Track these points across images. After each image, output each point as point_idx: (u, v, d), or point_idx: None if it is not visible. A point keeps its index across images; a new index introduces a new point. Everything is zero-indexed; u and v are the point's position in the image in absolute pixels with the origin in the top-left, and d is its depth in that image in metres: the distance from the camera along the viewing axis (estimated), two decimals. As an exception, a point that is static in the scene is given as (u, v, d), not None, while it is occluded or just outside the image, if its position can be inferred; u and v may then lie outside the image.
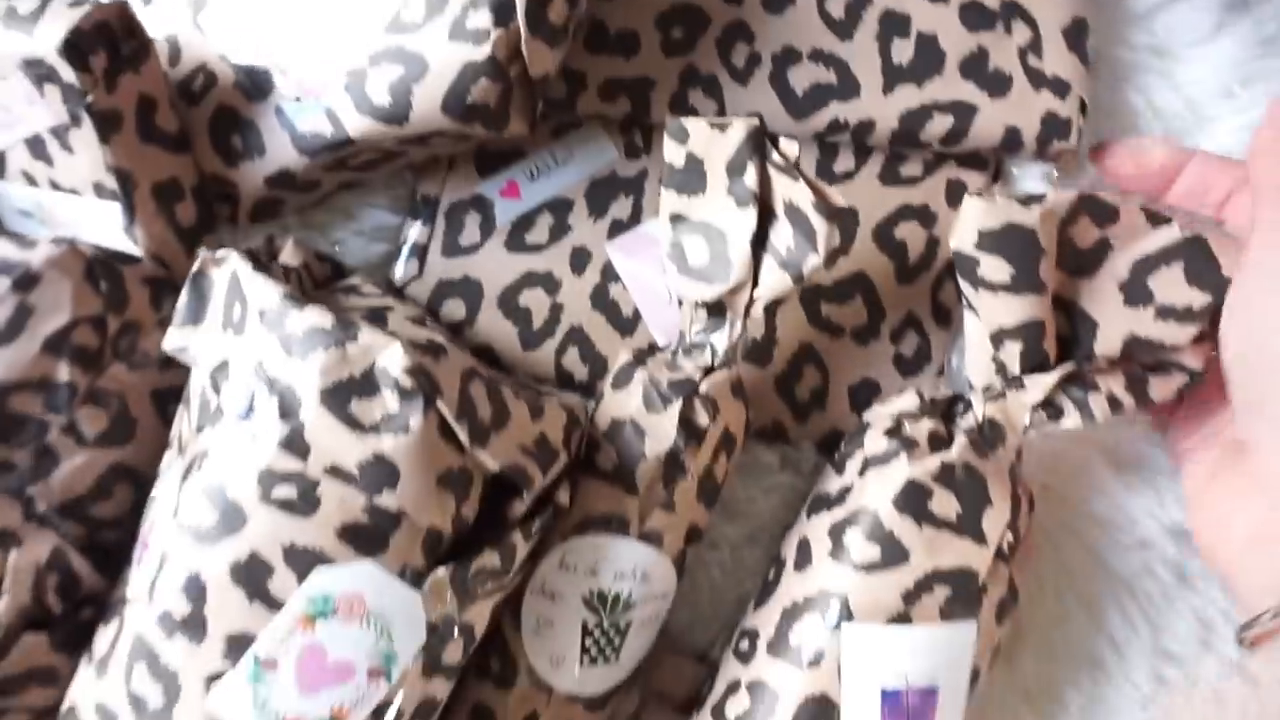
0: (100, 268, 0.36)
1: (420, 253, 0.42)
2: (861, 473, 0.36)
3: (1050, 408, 0.35)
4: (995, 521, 0.34)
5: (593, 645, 0.37)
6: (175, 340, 0.34)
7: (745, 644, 0.37)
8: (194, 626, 0.31)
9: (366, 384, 0.31)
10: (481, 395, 0.32)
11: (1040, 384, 0.35)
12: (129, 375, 0.37)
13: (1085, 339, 0.35)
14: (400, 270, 0.42)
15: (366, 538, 0.31)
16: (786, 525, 0.40)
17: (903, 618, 0.34)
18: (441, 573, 0.32)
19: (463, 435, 0.31)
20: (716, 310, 0.37)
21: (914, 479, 0.34)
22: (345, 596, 0.31)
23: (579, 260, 0.42)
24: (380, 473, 0.31)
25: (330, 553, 0.31)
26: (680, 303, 0.38)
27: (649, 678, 0.40)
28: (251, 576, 0.31)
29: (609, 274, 0.42)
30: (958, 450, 0.35)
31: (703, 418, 0.36)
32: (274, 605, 0.31)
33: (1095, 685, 0.40)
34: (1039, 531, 0.40)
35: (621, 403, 0.37)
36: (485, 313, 0.41)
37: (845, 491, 0.36)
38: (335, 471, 0.31)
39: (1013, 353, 0.35)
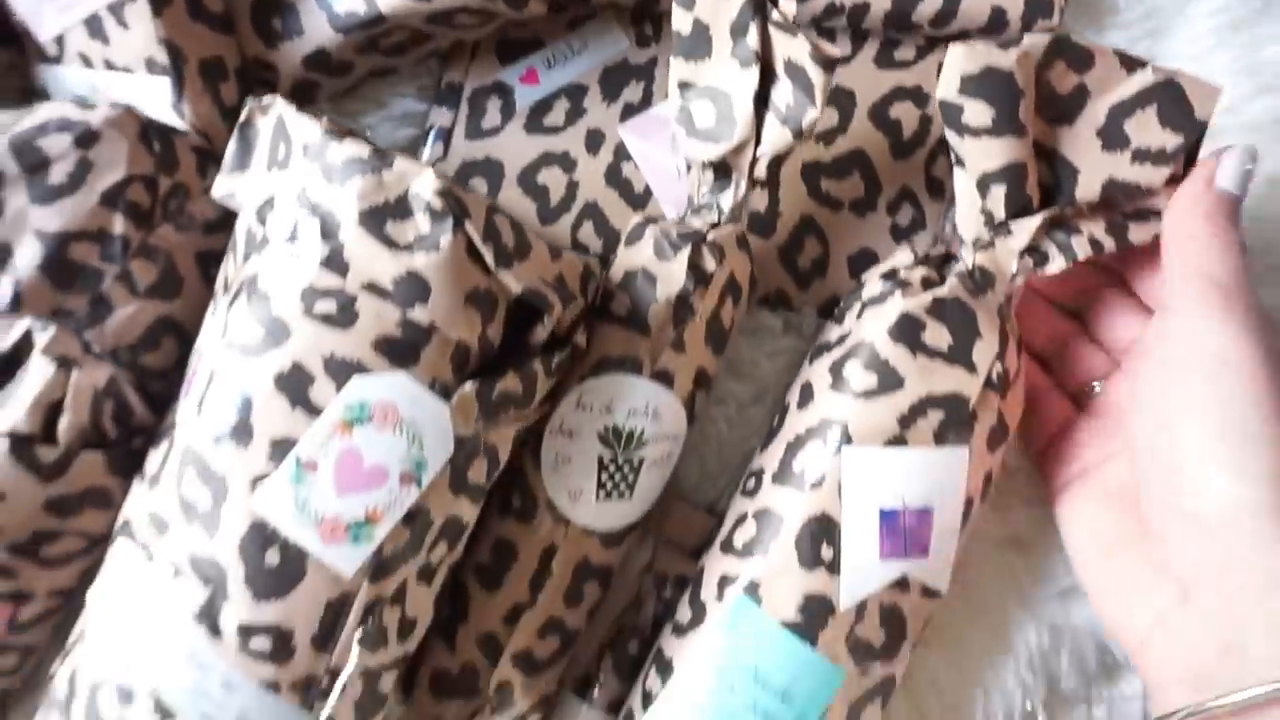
0: (153, 131, 0.39)
1: (445, 136, 0.44)
2: (859, 316, 0.38)
3: (1036, 254, 0.38)
4: (985, 353, 0.37)
5: (608, 480, 0.39)
6: (224, 187, 0.37)
7: (752, 482, 0.39)
8: (241, 433, 0.33)
9: (401, 207, 0.34)
10: (505, 226, 0.35)
11: (1025, 228, 0.37)
12: (176, 235, 0.40)
13: (1067, 185, 0.37)
14: (427, 152, 0.45)
15: (400, 350, 0.33)
16: (789, 385, 0.42)
17: (898, 440, 0.36)
18: (468, 388, 0.34)
19: (488, 257, 0.34)
20: (722, 171, 0.40)
21: (908, 311, 0.37)
22: (380, 405, 0.34)
23: (593, 141, 0.44)
24: (413, 288, 0.33)
25: (367, 363, 0.33)
26: (689, 167, 0.41)
27: (661, 527, 0.43)
28: (294, 385, 0.33)
29: (621, 154, 0.44)
30: (949, 287, 0.37)
31: (710, 263, 0.38)
32: (314, 412, 0.33)
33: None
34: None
35: (633, 255, 0.39)
36: (506, 191, 0.44)
37: (844, 336, 0.39)
38: (372, 287, 0.33)
39: (998, 197, 0.37)
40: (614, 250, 0.43)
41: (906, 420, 0.36)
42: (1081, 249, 0.37)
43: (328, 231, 0.33)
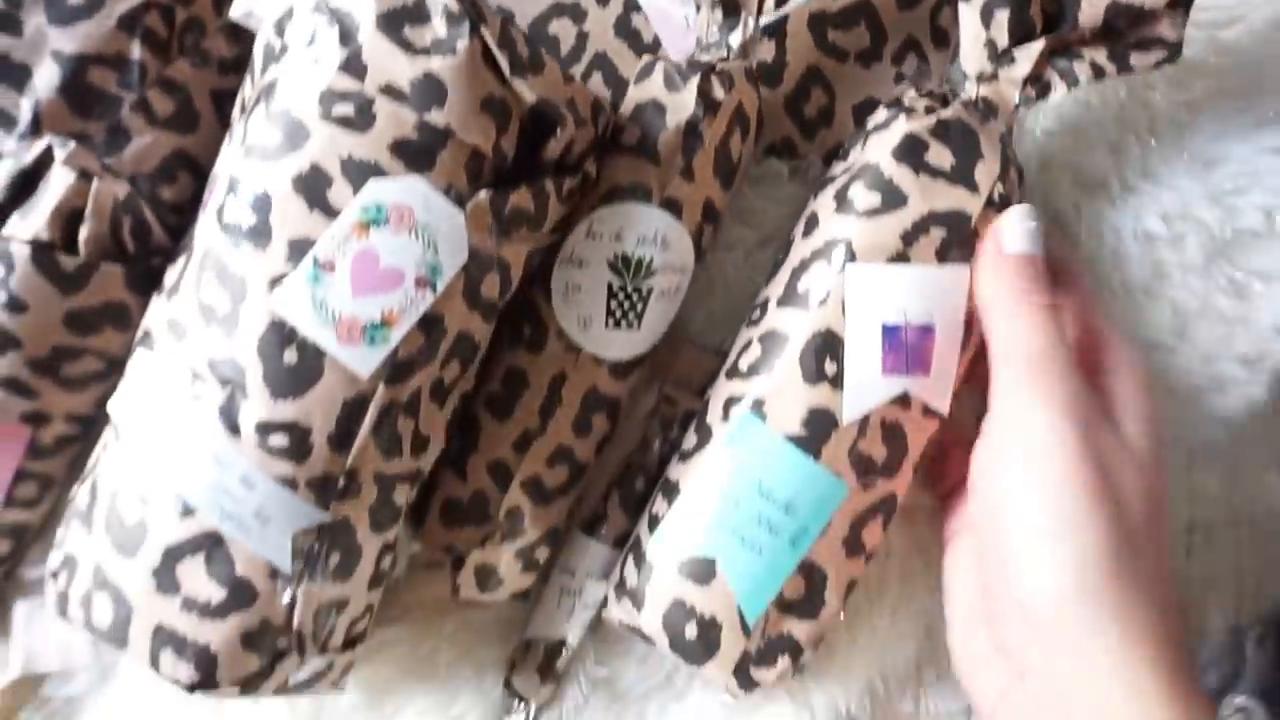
0: (170, -42, 0.39)
1: (456, -12, 0.45)
2: (863, 144, 0.39)
3: (1038, 83, 0.38)
4: (986, 173, 0.37)
5: (617, 308, 0.40)
6: (241, 7, 0.38)
7: (757, 313, 0.40)
8: (259, 234, 0.34)
9: (418, 11, 0.34)
10: (520, 38, 0.36)
11: (1028, 54, 0.38)
12: (192, 70, 0.41)
13: (1069, 10, 0.38)
14: (437, 4, 0.45)
15: (416, 153, 0.34)
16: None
17: (901, 257, 0.37)
18: (483, 196, 0.35)
19: (504, 63, 0.35)
20: (731, 9, 0.41)
21: (911, 132, 0.37)
22: (396, 207, 0.34)
23: (603, -8, 0.45)
24: (430, 90, 0.34)
25: (384, 166, 0.34)
26: (698, 8, 0.41)
27: (668, 370, 0.43)
28: (312, 187, 0.34)
29: (631, 4, 0.45)
30: (952, 110, 0.38)
31: (719, 91, 0.39)
32: (332, 213, 0.34)
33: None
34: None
35: (643, 89, 0.40)
36: (516, 42, 0.45)
37: (849, 167, 0.39)
38: (389, 90, 0.34)
39: (1001, 23, 0.38)
40: (622, 98, 0.44)
41: (909, 237, 0.37)
42: (1084, 74, 0.38)
43: (346, 36, 0.34)
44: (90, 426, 0.41)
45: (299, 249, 0.34)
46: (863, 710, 0.43)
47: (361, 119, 0.34)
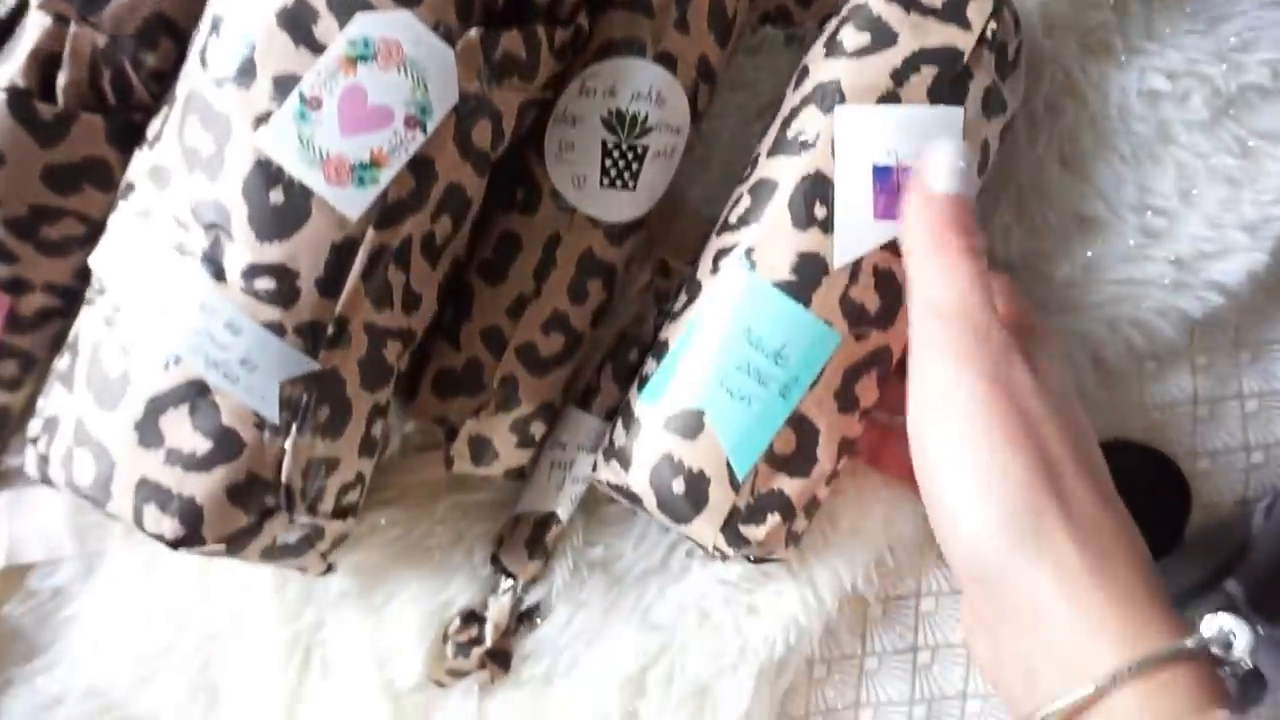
0: None
1: None
2: None
3: None
4: (978, 11, 0.36)
5: (612, 166, 0.39)
6: None
7: (748, 169, 0.39)
8: (243, 73, 0.33)
9: None
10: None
11: None
12: (171, -68, 0.40)
13: None
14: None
15: (404, -18, 0.33)
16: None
17: (891, 96, 0.36)
18: (473, 34, 0.34)
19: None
20: None
21: None
22: (384, 42, 0.33)
23: None
24: (415, -82, 0.33)
25: (371, 0, 0.33)
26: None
27: (665, 236, 0.42)
28: (297, 21, 0.33)
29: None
30: None
31: (713, -60, 0.38)
32: (318, 49, 0.33)
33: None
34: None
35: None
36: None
37: (841, 15, 0.38)
38: (373, -81, 0.33)
39: None
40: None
41: (900, 75, 0.36)
42: None
43: None
44: (72, 301, 0.40)
45: (284, 86, 0.33)
46: (869, 586, 0.42)
47: (344, -50, 0.33)
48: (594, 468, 0.40)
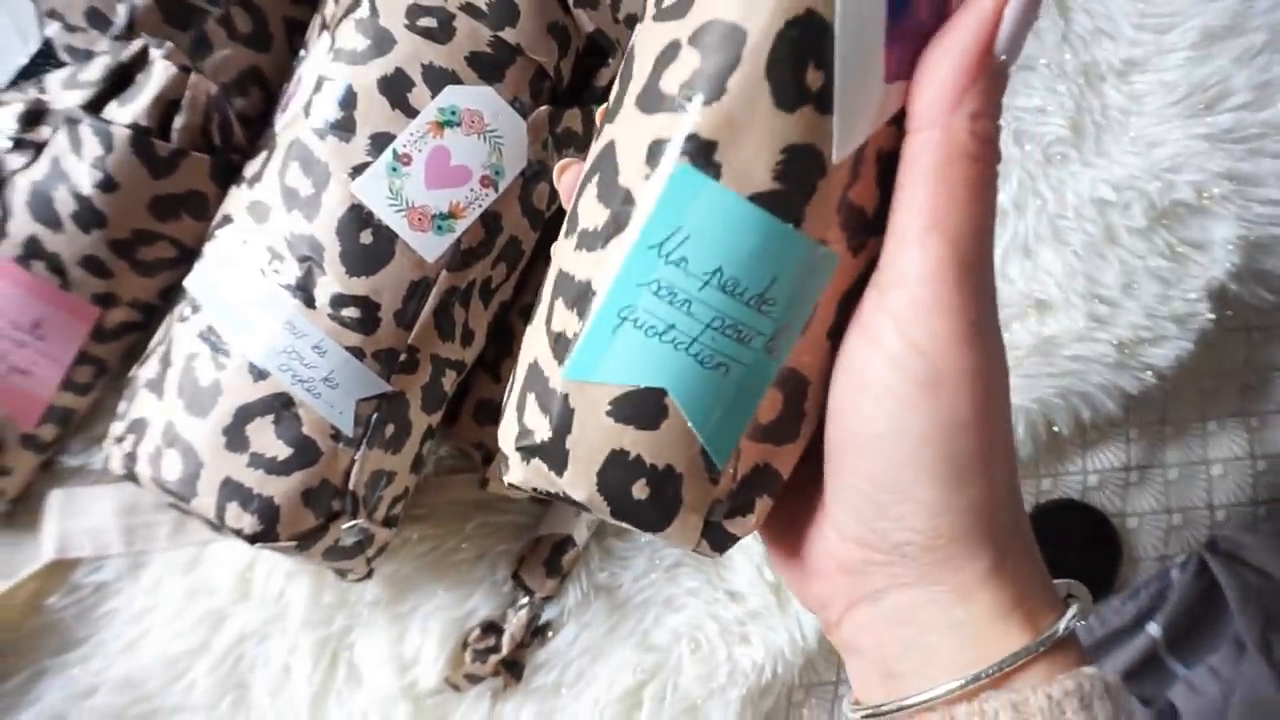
0: (258, -106, 0.44)
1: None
2: None
3: None
4: None
5: (646, 231, 0.44)
6: (326, -61, 0.42)
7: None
8: (344, 128, 0.38)
9: (496, -56, 0.39)
10: (579, -21, 0.41)
11: None
12: (267, -1, 0.45)
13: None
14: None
15: (489, 65, 0.39)
16: None
17: None
18: (542, 111, 0.40)
19: (568, -4, 0.40)
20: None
21: None
22: (468, 112, 0.39)
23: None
24: (505, 11, 0.39)
25: (460, 74, 0.38)
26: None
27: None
28: (395, 88, 0.38)
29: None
30: None
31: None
32: (411, 112, 0.38)
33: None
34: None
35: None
36: None
37: None
38: (469, 8, 0.39)
39: None
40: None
41: None
42: None
43: (432, -40, 0.39)
44: (150, 315, 0.44)
45: (380, 142, 0.38)
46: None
47: (443, 32, 0.38)
48: (505, 465, 0.27)
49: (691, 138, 0.23)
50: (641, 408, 0.25)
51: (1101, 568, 0.51)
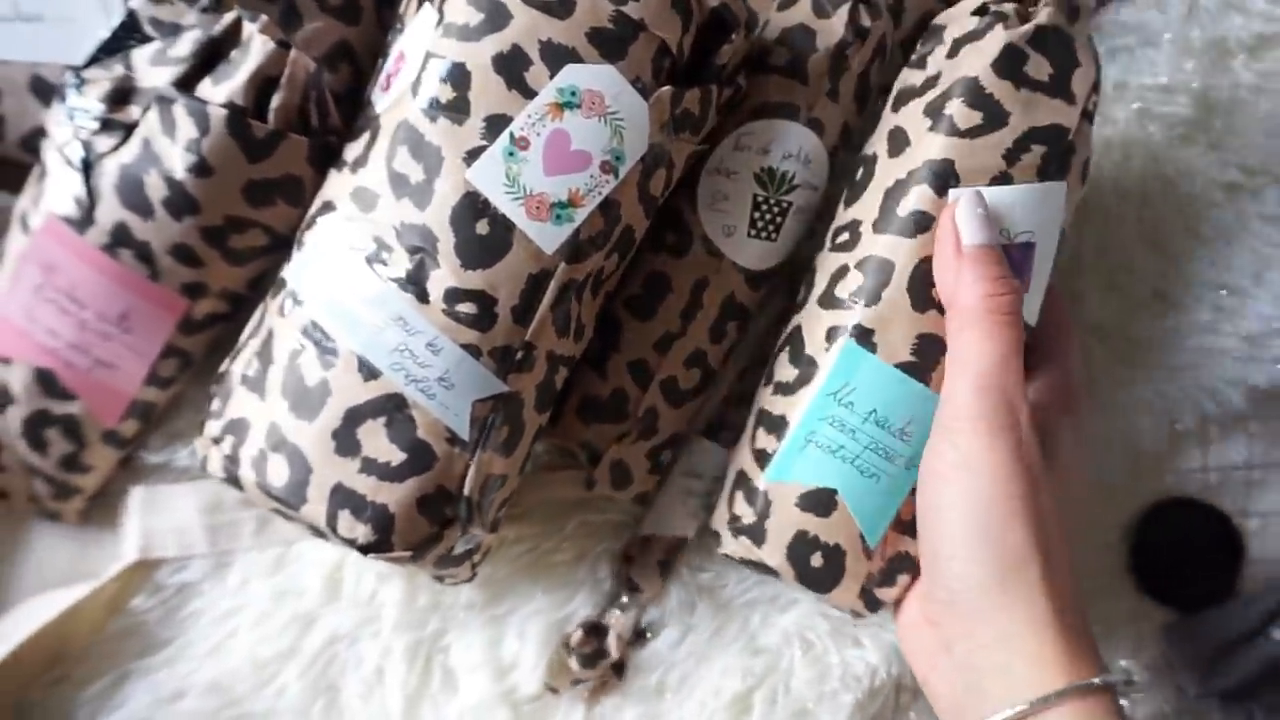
0: None
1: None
2: (952, 55, 0.39)
3: None
4: (1083, 82, 0.38)
5: (759, 219, 0.42)
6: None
7: (845, 235, 0.40)
8: (457, 109, 0.35)
9: (619, -90, 0.36)
10: (701, -52, 0.38)
11: None
12: (357, -31, 0.42)
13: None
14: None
15: (611, 42, 0.36)
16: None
17: (1004, 177, 0.37)
18: (665, 91, 0.37)
19: (693, -33, 0.37)
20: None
21: (1011, 43, 0.37)
22: (589, 92, 0.36)
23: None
24: (628, -16, 0.36)
25: (580, 52, 0.36)
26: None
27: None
28: (511, 66, 0.35)
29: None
30: (1047, 14, 0.38)
31: (866, 19, 0.42)
32: (529, 93, 0.35)
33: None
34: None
35: (789, 15, 0.42)
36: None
37: (934, 78, 0.39)
38: (590, -20, 0.36)
39: None
40: (753, 28, 0.46)
41: (1011, 156, 0.37)
42: None
43: (550, -74, 0.36)
44: (238, 306, 0.41)
45: (496, 125, 0.35)
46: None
47: (562, 6, 0.36)
48: (717, 539, 0.40)
49: (857, 326, 0.38)
50: (819, 501, 0.38)
51: (1223, 570, 0.49)
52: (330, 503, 0.35)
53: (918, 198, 0.37)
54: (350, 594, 0.44)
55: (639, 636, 0.45)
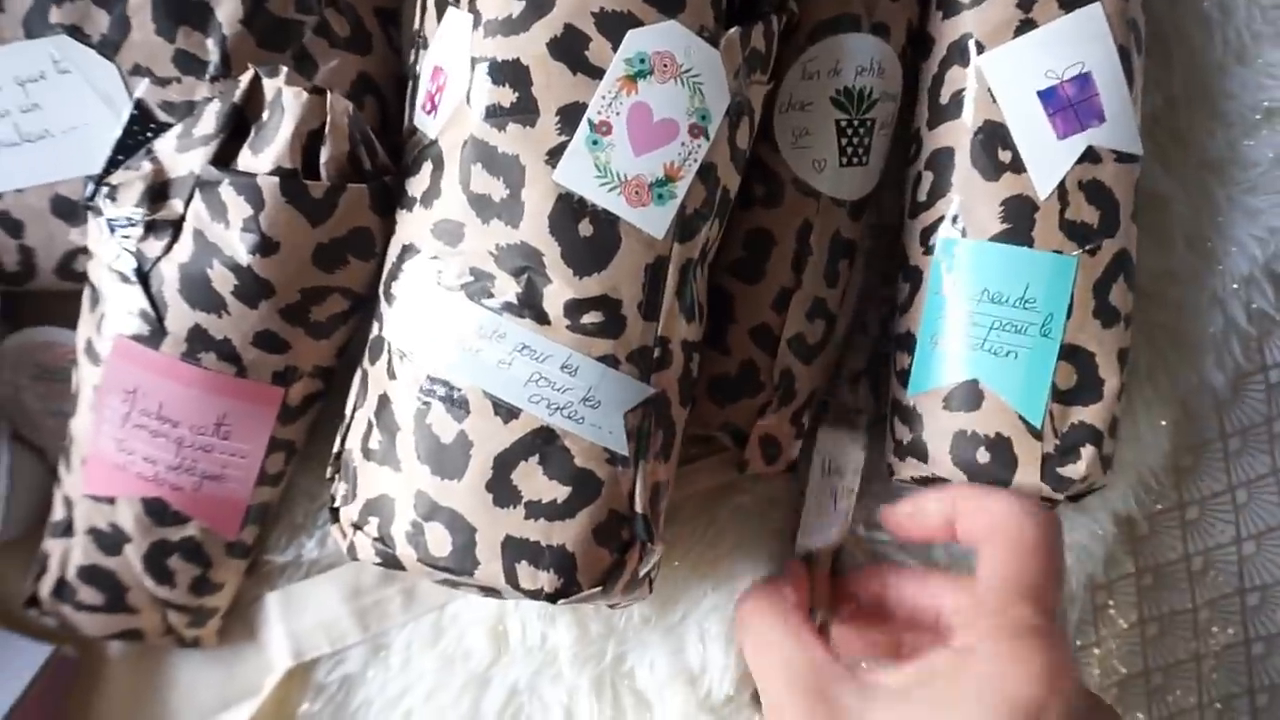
0: None
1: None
2: None
3: None
4: None
5: (848, 144, 0.39)
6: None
7: (912, 148, 0.40)
8: (524, 110, 0.32)
9: None
10: None
11: None
12: (356, -9, 0.39)
13: None
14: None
15: (663, -3, 0.33)
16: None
17: (1027, 24, 0.37)
18: (732, 34, 0.34)
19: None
20: None
21: None
22: (658, 54, 0.33)
23: None
24: (670, -71, 0.33)
25: (637, 14, 0.33)
26: None
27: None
28: (570, 49, 0.32)
29: None
30: None
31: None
32: (595, 73, 0.32)
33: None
34: None
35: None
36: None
37: None
38: (628, -64, 0.32)
39: None
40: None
41: (1024, 2, 0.37)
42: None
43: (572, -111, 0.33)
44: (330, 379, 0.39)
45: (570, 116, 0.32)
46: (1141, 509, 0.43)
47: (606, -31, 0.32)
48: (890, 470, 0.40)
49: (941, 219, 0.38)
50: (965, 396, 0.37)
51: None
52: (505, 559, 0.32)
53: (950, 80, 0.38)
54: (519, 643, 0.42)
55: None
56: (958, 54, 0.38)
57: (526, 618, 0.42)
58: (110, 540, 0.38)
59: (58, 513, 0.39)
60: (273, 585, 0.42)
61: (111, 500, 0.37)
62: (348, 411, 0.36)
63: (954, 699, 0.28)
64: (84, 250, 0.37)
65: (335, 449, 0.36)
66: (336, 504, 0.36)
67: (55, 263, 0.38)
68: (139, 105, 0.35)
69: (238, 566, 0.40)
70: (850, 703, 0.29)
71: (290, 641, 0.41)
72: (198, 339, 0.35)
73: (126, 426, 0.36)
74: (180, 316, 0.34)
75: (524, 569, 0.32)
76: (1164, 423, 0.44)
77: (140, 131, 0.36)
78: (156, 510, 0.37)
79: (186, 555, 0.38)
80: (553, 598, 0.33)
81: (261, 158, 0.33)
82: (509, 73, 0.32)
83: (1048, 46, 0.37)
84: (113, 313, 0.35)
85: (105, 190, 0.34)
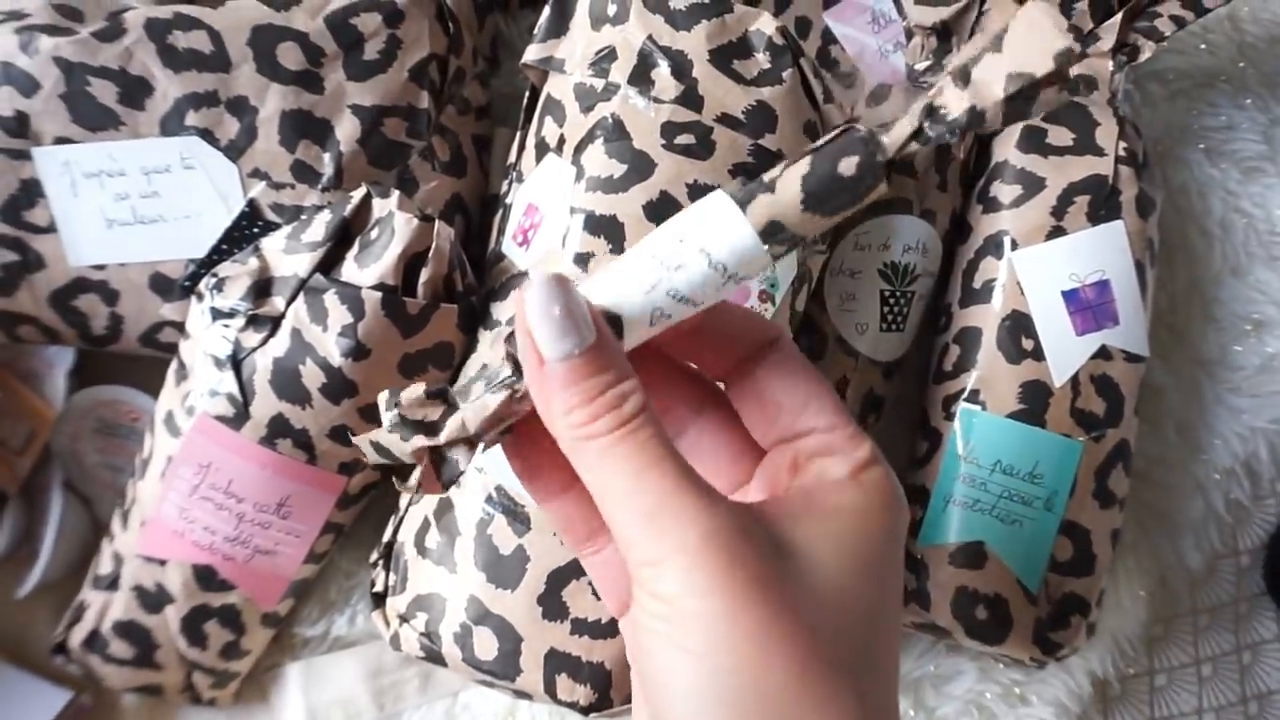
0: (447, 11, 0.41)
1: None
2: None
3: (1126, 49, 0.43)
4: (1107, 136, 0.42)
5: (889, 313, 0.43)
6: (535, 54, 0.39)
7: (942, 320, 0.44)
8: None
9: (743, 45, 0.37)
10: (821, 73, 0.39)
11: (1111, 28, 0.42)
12: (458, 117, 0.42)
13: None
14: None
15: (753, 175, 0.36)
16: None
17: (1058, 231, 0.41)
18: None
19: (818, 91, 0.38)
20: (944, 35, 0.45)
21: (1026, 123, 0.42)
22: (739, 226, 0.36)
23: (802, 28, 0.48)
24: (762, 118, 0.36)
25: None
26: (908, 38, 0.45)
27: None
28: (663, 213, 0.36)
29: (828, 38, 0.48)
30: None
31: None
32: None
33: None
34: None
35: (879, 112, 0.43)
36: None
37: (988, 178, 0.44)
38: (725, 119, 0.36)
39: (1082, 11, 0.42)
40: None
41: (1058, 211, 0.41)
42: (1166, 28, 0.42)
43: (679, 72, 0.36)
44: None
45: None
46: (1115, 671, 0.47)
47: (703, 147, 0.36)
48: None
49: (965, 390, 0.42)
50: (970, 556, 0.41)
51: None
52: (546, 669, 0.35)
53: (985, 269, 0.42)
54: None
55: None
56: (993, 246, 0.42)
57: (537, 713, 0.44)
58: (154, 599, 0.39)
59: (105, 566, 0.41)
60: (295, 655, 0.44)
61: (163, 562, 0.39)
62: (402, 504, 0.39)
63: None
64: (171, 324, 0.40)
65: (387, 538, 0.39)
66: (379, 589, 0.38)
67: (141, 332, 0.40)
68: (251, 203, 0.38)
69: (267, 635, 0.42)
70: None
71: (306, 714, 0.43)
72: (279, 427, 0.37)
73: (194, 497, 0.38)
74: (266, 404, 0.37)
75: (563, 681, 0.35)
76: (1142, 593, 0.47)
77: (248, 226, 0.38)
78: (205, 576, 0.39)
79: (223, 621, 0.40)
80: (586, 710, 0.35)
81: (366, 272, 0.36)
82: (605, 226, 0.36)
83: (1075, 253, 0.41)
84: (199, 391, 0.37)
85: (213, 281, 0.37)
